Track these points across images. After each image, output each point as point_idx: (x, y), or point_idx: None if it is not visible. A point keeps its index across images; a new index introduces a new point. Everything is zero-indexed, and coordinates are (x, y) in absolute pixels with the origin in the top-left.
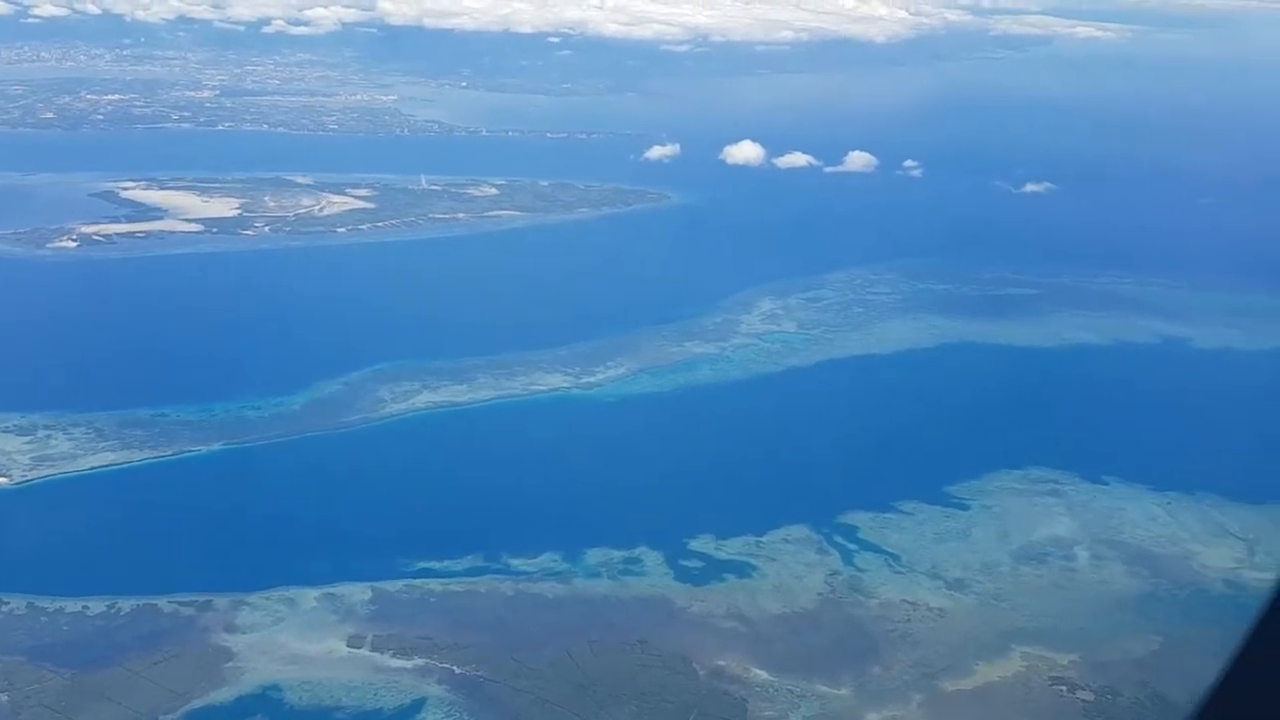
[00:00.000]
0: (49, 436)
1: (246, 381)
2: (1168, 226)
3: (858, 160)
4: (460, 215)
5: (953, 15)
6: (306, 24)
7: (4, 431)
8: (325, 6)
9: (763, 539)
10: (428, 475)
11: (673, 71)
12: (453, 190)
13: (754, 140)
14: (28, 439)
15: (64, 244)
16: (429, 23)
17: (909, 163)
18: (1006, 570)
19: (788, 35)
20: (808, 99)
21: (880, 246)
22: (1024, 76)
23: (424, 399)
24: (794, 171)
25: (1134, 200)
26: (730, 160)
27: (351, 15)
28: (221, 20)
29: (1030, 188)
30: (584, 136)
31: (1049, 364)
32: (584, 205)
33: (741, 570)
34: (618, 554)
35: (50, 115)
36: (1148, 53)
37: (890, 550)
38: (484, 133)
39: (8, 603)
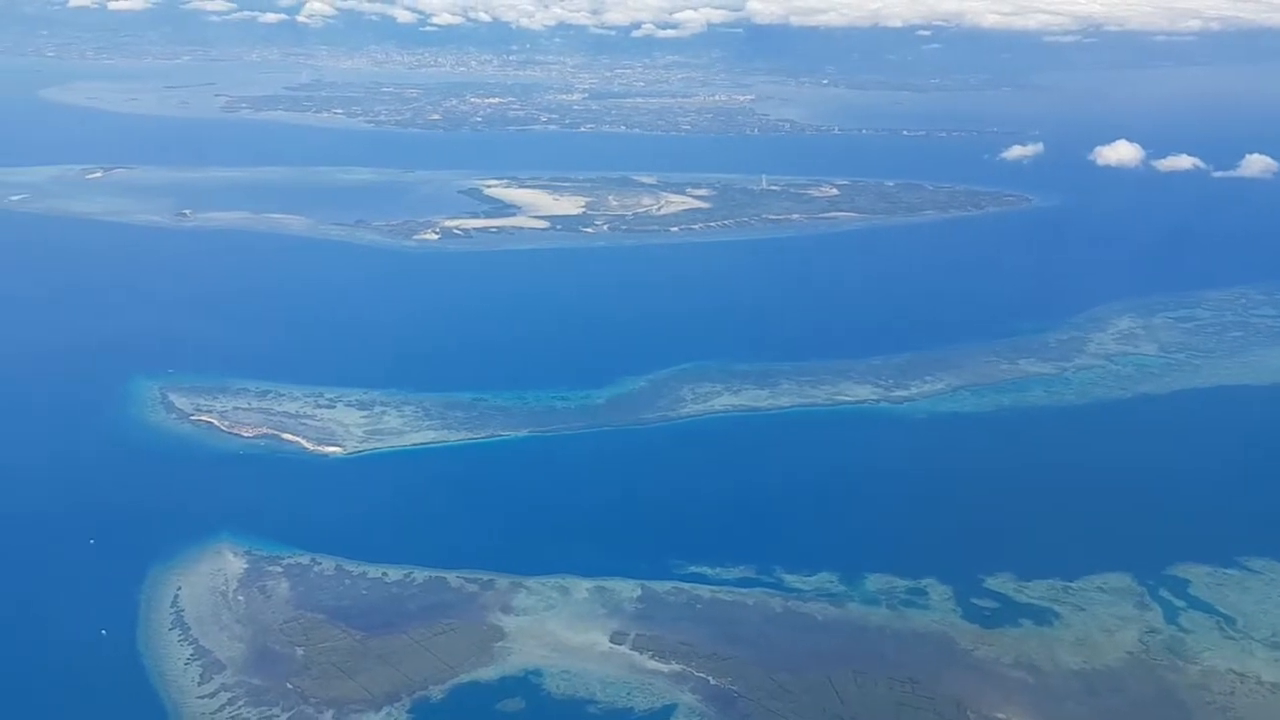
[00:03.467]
0: (383, 412)
1: (560, 373)
2: None
3: (1255, 164)
4: (795, 216)
5: None
6: (675, 27)
7: (347, 405)
8: (695, 9)
9: (1073, 584)
10: (714, 478)
11: (1056, 64)
12: (792, 190)
13: (1131, 140)
14: (365, 413)
15: (427, 236)
16: (796, 20)
17: None
18: None
19: (1194, 25)
20: (1206, 95)
21: (1273, 262)
22: None
23: (723, 401)
24: (1176, 175)
25: None
26: (1101, 161)
27: (719, 16)
28: (596, 25)
29: None
30: (944, 135)
31: None
32: (930, 207)
33: (1041, 616)
34: (901, 582)
35: (436, 117)
36: None
37: (1225, 611)
38: (836, 131)
39: (320, 564)
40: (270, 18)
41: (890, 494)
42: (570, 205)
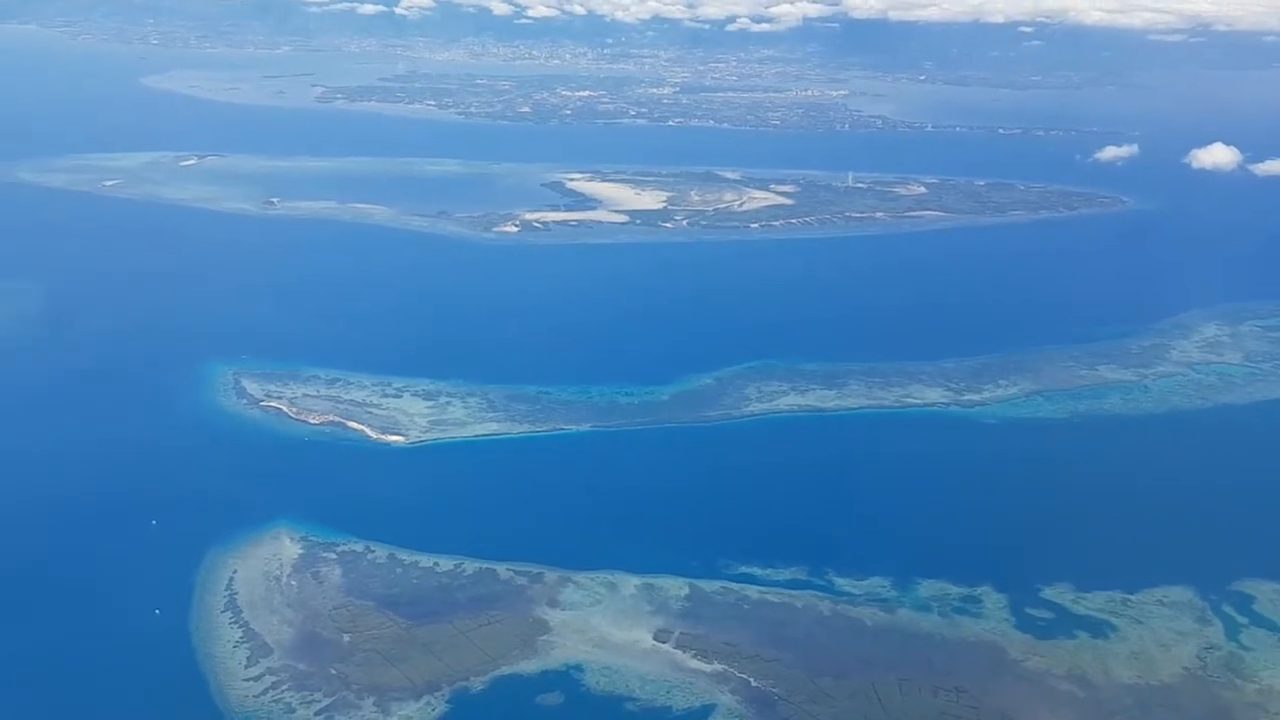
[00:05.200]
0: (448, 403)
1: (627, 369)
2: None
3: None
4: (878, 214)
5: None
6: (770, 20)
7: (413, 395)
8: (791, 2)
9: (1133, 597)
10: (772, 478)
11: (1161, 63)
12: (878, 188)
13: (1229, 143)
14: (430, 404)
15: (507, 228)
16: (894, 15)
17: None
18: None
19: None
20: None
21: None
22: None
23: (788, 401)
24: (1274, 180)
25: None
26: (1196, 164)
27: (815, 10)
28: (691, 19)
29: None
30: (1040, 133)
31: None
32: (1019, 208)
33: (1097, 629)
34: (955, 589)
35: (526, 109)
36: None
37: None
38: (929, 128)
39: (373, 551)
40: (369, 9)
41: (951, 499)
42: (651, 200)
